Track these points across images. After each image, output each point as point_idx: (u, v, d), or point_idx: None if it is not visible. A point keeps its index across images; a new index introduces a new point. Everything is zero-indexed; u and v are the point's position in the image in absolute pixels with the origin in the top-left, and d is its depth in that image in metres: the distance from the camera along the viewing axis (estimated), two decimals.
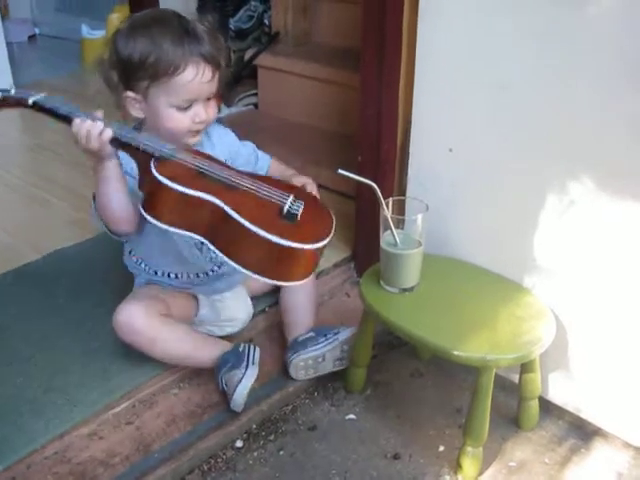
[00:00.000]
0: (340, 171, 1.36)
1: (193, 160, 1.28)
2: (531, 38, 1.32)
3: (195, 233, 1.23)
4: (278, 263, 1.23)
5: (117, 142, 1.27)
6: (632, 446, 1.42)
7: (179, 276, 1.52)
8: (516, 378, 1.45)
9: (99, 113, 1.27)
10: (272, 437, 1.45)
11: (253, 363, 1.43)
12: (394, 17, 1.56)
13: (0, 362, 1.52)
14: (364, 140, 1.74)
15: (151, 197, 1.23)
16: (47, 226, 2.13)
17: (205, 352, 1.48)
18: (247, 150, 1.57)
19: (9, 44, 3.64)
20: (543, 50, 1.31)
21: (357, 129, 1.77)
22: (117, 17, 3.92)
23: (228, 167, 1.34)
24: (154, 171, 1.20)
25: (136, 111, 1.37)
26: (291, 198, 1.30)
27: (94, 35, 4.00)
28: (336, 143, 2.49)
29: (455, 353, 1.26)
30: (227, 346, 1.49)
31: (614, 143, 1.27)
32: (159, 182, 1.19)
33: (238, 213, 1.20)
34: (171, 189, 1.19)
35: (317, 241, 1.24)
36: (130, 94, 1.35)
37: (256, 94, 2.90)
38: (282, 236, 1.19)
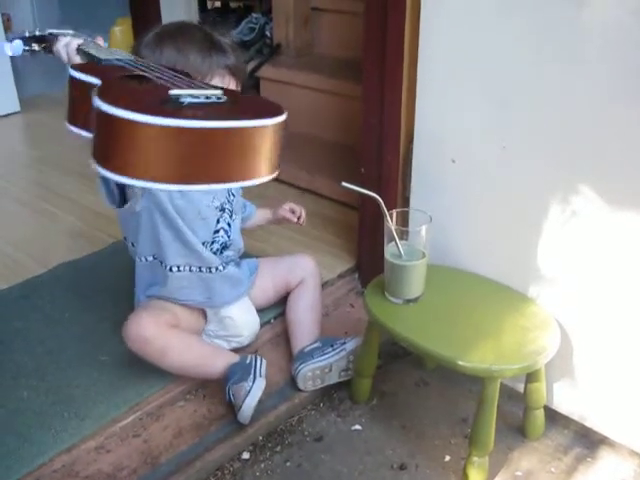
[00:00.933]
0: (344, 184, 1.37)
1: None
2: (531, 52, 1.33)
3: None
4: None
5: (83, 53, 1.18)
6: (638, 454, 1.42)
7: (187, 268, 1.49)
8: (521, 387, 1.45)
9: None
10: (278, 448, 1.46)
11: (260, 375, 1.43)
12: (396, 28, 1.57)
13: (6, 376, 1.53)
14: (366, 152, 1.75)
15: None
16: (53, 239, 2.14)
17: (213, 363, 1.48)
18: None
19: (12, 57, 3.65)
20: (543, 62, 1.32)
21: (359, 141, 1.78)
22: (119, 30, 3.96)
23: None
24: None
25: None
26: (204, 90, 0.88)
27: None
28: (339, 154, 2.50)
29: (460, 363, 1.26)
30: (234, 358, 1.49)
31: (616, 153, 1.27)
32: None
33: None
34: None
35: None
36: None
37: None
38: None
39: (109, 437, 1.41)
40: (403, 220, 1.43)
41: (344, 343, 1.54)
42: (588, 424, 1.47)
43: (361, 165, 1.77)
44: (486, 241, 1.53)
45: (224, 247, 1.55)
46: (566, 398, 1.49)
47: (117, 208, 1.43)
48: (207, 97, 0.84)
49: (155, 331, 1.41)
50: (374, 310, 1.41)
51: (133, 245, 1.52)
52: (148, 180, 0.79)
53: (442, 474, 1.40)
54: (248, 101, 0.98)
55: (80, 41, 1.19)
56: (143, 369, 1.51)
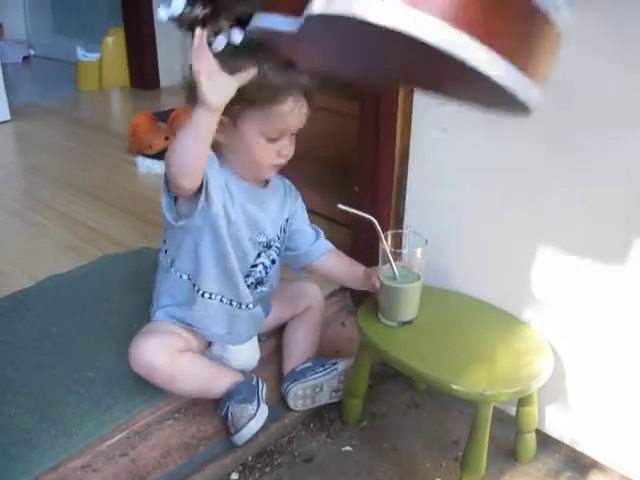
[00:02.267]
0: (340, 206, 1.37)
1: None
2: None
3: None
4: None
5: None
6: (629, 479, 1.42)
7: (214, 297, 1.45)
8: (513, 410, 1.45)
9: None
10: (268, 469, 1.44)
11: (263, 400, 1.42)
12: None
13: None
14: (361, 171, 1.74)
15: None
16: (41, 251, 2.12)
17: (218, 384, 1.45)
18: (311, 229, 1.58)
19: (4, 65, 3.66)
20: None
21: (354, 159, 1.78)
22: (112, 40, 3.96)
23: None
24: None
25: (218, 135, 1.28)
26: None
27: (89, 58, 4.02)
28: (332, 171, 2.49)
29: (454, 387, 1.25)
30: (238, 376, 1.48)
31: (616, 177, 1.27)
32: None
33: None
34: None
35: None
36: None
37: None
38: None
39: (96, 456, 1.39)
40: (397, 241, 1.42)
41: (335, 363, 1.53)
42: (579, 448, 1.47)
43: (355, 184, 1.77)
44: (480, 263, 1.53)
45: (259, 282, 1.50)
46: (558, 422, 1.48)
47: (174, 223, 1.35)
48: None
49: (164, 359, 1.38)
50: (367, 331, 1.40)
51: (173, 262, 1.46)
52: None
53: None
54: None
55: None
56: (132, 386, 1.50)
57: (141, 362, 1.39)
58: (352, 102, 1.74)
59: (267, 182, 1.47)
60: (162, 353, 1.39)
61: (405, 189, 1.63)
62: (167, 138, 2.78)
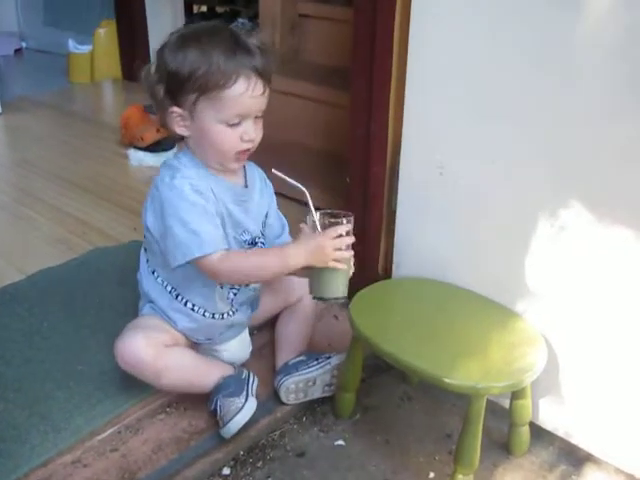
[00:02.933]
0: (274, 171, 1.36)
1: None
2: (522, 64, 1.32)
3: None
4: None
5: None
6: (623, 472, 1.41)
7: (197, 310, 1.44)
8: (507, 403, 1.44)
9: None
10: (260, 464, 1.43)
11: (252, 394, 1.41)
12: (384, 38, 1.56)
13: None
14: (353, 161, 1.73)
15: None
16: (32, 245, 2.10)
17: (207, 378, 1.44)
18: (278, 222, 1.55)
19: None
20: (534, 77, 1.31)
21: (346, 150, 1.76)
22: (104, 32, 3.93)
23: None
24: None
25: (180, 129, 1.32)
26: None
27: (80, 50, 3.99)
28: (324, 162, 2.48)
29: (446, 381, 1.24)
30: (229, 369, 1.46)
31: (604, 167, 1.26)
32: None
33: None
34: None
35: None
36: (176, 109, 1.29)
37: None
38: None
39: (86, 451, 1.38)
40: (327, 219, 1.36)
41: (329, 357, 1.52)
42: (574, 441, 1.46)
43: (347, 174, 1.75)
44: (473, 256, 1.51)
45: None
46: (552, 414, 1.48)
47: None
48: None
49: (151, 354, 1.36)
50: (359, 325, 1.38)
51: (154, 271, 1.45)
52: None
53: None
54: None
55: None
56: (122, 380, 1.48)
57: (127, 359, 1.37)
58: (345, 93, 1.72)
59: (246, 180, 1.45)
60: (148, 349, 1.37)
61: (398, 180, 1.61)
62: (159, 130, 2.76)
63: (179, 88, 1.27)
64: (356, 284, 1.49)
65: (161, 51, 1.30)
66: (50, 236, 2.14)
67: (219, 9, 3.38)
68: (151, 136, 2.77)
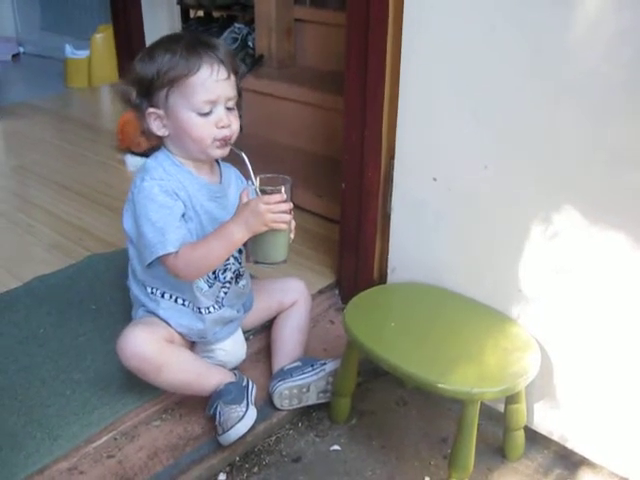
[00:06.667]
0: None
1: None
2: (514, 69, 1.33)
3: None
4: None
5: None
6: (618, 476, 1.41)
7: (187, 304, 1.46)
8: (501, 407, 1.44)
9: None
10: (256, 469, 1.43)
11: (252, 403, 1.41)
12: (377, 43, 1.56)
13: None
14: (348, 167, 1.73)
15: None
16: (28, 251, 2.10)
17: (208, 380, 1.44)
18: None
19: None
20: (526, 81, 1.31)
21: (341, 156, 1.76)
22: (101, 37, 3.94)
23: None
24: None
25: (160, 129, 1.37)
26: None
27: (78, 55, 4.00)
28: (320, 166, 2.49)
29: (441, 387, 1.25)
30: (229, 376, 1.47)
31: (598, 173, 1.27)
32: None
33: None
34: None
35: None
36: (153, 110, 1.35)
37: (240, 116, 2.89)
38: None
39: (82, 458, 1.38)
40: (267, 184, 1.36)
41: (324, 364, 1.52)
42: (568, 445, 1.46)
43: (342, 180, 1.76)
44: (468, 260, 1.52)
45: (238, 275, 1.50)
46: (546, 419, 1.48)
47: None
48: None
49: (152, 347, 1.38)
50: (353, 330, 1.39)
51: (134, 271, 1.49)
52: None
53: None
54: None
55: None
56: (118, 387, 1.49)
57: (128, 352, 1.37)
58: (341, 97, 1.73)
59: (221, 178, 1.47)
60: (150, 342, 1.38)
61: (392, 185, 1.62)
62: None
63: (150, 88, 1.34)
64: (351, 289, 1.50)
65: (132, 66, 1.36)
66: (46, 242, 2.15)
67: (215, 14, 3.38)
68: (148, 141, 2.76)
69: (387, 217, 1.66)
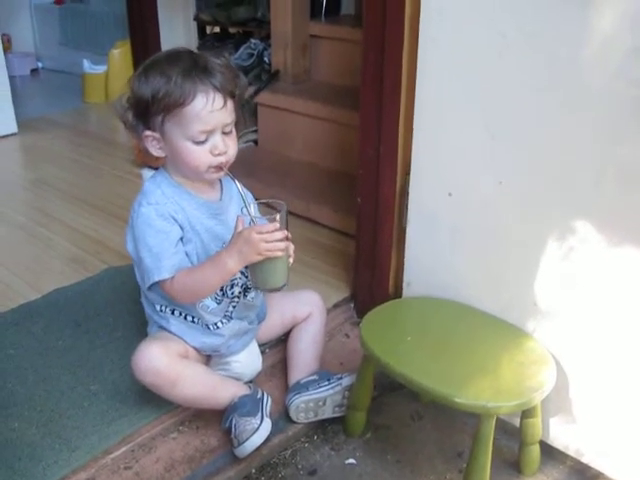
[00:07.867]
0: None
1: None
2: (528, 85, 1.34)
3: None
4: None
5: None
6: None
7: (194, 320, 1.47)
8: (517, 422, 1.44)
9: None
10: None
11: (267, 415, 1.42)
12: (393, 59, 1.58)
13: None
14: (363, 182, 1.74)
15: None
16: (47, 264, 2.13)
17: (222, 394, 1.45)
18: None
19: (12, 77, 3.68)
20: (543, 98, 1.32)
21: (356, 171, 1.78)
22: (119, 52, 3.98)
23: None
24: None
25: (156, 150, 1.37)
26: None
27: (95, 70, 4.04)
28: (335, 181, 2.50)
29: (457, 400, 1.25)
30: (244, 389, 1.48)
31: (612, 190, 1.27)
32: None
33: None
34: None
35: None
36: (149, 133, 1.35)
37: (256, 131, 2.93)
38: None
39: (100, 469, 1.39)
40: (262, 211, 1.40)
41: (341, 378, 1.53)
42: (584, 460, 1.46)
43: (357, 195, 1.77)
44: (483, 275, 1.52)
45: (246, 289, 1.49)
46: (562, 433, 1.47)
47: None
48: None
49: (166, 362, 1.38)
50: (369, 344, 1.39)
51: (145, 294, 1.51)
52: None
53: None
54: None
55: None
56: (136, 399, 1.50)
57: (143, 367, 1.38)
58: (356, 113, 1.74)
59: (222, 194, 1.47)
60: (164, 357, 1.39)
61: (407, 200, 1.63)
62: None
63: (146, 111, 1.33)
64: (366, 303, 1.51)
65: (129, 82, 1.35)
66: (65, 255, 2.17)
67: (232, 30, 3.41)
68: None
69: (403, 232, 1.67)
